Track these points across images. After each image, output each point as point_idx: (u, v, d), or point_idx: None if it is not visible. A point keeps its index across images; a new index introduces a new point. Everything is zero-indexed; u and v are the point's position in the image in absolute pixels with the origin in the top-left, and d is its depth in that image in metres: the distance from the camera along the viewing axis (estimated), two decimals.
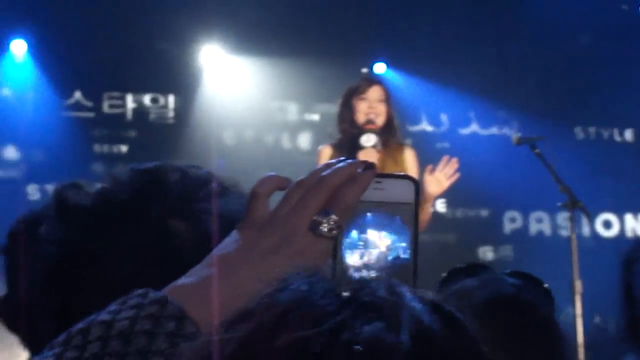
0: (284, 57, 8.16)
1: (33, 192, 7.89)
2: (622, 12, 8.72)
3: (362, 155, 5.11)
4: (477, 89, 8.44)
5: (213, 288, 1.01)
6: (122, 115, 8.32)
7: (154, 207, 1.23)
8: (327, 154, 5.39)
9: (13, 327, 1.29)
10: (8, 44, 8.10)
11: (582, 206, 5.45)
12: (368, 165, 1.10)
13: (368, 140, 5.21)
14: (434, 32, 8.40)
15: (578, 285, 5.26)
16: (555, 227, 8.76)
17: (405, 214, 1.10)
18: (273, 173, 1.16)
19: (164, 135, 7.95)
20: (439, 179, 5.16)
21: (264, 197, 1.11)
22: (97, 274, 1.19)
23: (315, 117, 8.63)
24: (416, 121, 8.71)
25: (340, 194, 1.07)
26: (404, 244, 1.08)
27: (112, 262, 1.20)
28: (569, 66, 8.58)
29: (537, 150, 5.55)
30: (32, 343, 1.27)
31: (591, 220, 5.70)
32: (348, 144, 5.32)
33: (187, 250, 1.17)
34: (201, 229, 1.20)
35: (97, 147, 8.10)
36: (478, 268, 1.98)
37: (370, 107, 5.35)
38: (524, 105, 8.36)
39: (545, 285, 1.98)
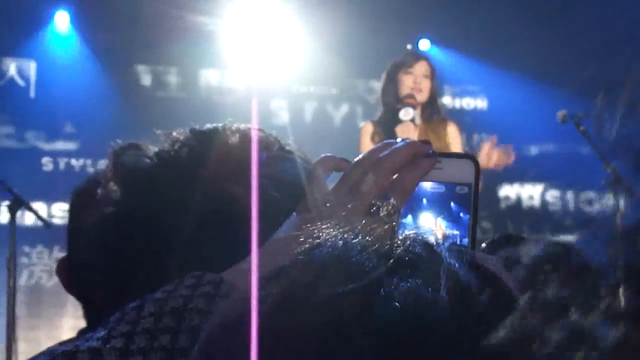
0: (324, 32, 8.14)
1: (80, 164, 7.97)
2: None
3: (400, 130, 5.13)
4: (522, 67, 8.39)
5: (253, 274, 1.01)
6: (167, 88, 8.34)
7: (212, 170, 1.20)
8: (369, 130, 5.41)
9: (71, 289, 1.29)
10: (52, 16, 8.14)
11: (629, 186, 5.39)
12: (430, 152, 1.07)
13: (406, 114, 5.20)
14: (479, 10, 8.34)
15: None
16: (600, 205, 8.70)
17: (463, 196, 1.08)
18: (330, 154, 1.15)
19: (212, 108, 7.95)
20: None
21: (321, 179, 1.11)
22: (153, 235, 1.18)
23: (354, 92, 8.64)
24: (459, 97, 8.69)
25: (399, 178, 1.06)
26: (458, 232, 1.07)
27: (167, 224, 1.18)
28: (613, 47, 8.49)
29: (582, 128, 5.49)
30: (88, 306, 1.27)
31: (635, 200, 5.60)
32: (389, 119, 5.33)
33: (246, 216, 1.13)
34: (261, 195, 1.17)
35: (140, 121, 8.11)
36: (518, 238, 1.97)
37: (416, 82, 5.34)
38: (570, 84, 8.29)
39: (585, 257, 1.96)
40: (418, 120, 5.25)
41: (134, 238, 1.19)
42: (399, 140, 1.10)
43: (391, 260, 0.69)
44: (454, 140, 5.40)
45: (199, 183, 1.19)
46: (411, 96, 5.28)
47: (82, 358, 0.93)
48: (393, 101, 5.37)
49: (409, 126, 5.17)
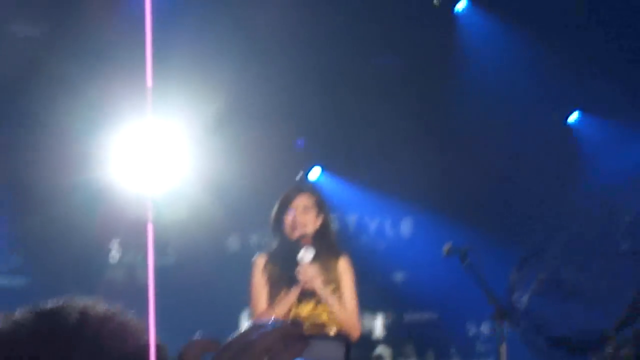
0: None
1: None
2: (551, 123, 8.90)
3: (302, 272, 5.08)
4: (415, 196, 8.50)
5: None
6: None
7: (53, 350, 1.22)
8: (260, 264, 5.32)
9: None
10: None
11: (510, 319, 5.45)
12: (301, 337, 1.11)
13: (305, 256, 5.16)
14: (368, 136, 8.46)
15: None
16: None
17: None
18: (199, 337, 1.18)
19: None
20: None
21: None
22: None
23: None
24: (352, 225, 8.77)
25: None
26: None
27: None
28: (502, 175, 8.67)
29: (467, 261, 5.53)
30: None
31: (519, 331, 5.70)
32: (281, 255, 5.28)
33: None
34: None
35: None
36: None
37: (295, 218, 5.29)
38: (461, 215, 8.35)
39: None
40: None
41: None
42: (270, 321, 1.13)
43: None
44: (344, 275, 5.32)
45: None
46: (303, 235, 5.22)
47: None
48: (280, 237, 5.34)
49: (310, 268, 5.12)
